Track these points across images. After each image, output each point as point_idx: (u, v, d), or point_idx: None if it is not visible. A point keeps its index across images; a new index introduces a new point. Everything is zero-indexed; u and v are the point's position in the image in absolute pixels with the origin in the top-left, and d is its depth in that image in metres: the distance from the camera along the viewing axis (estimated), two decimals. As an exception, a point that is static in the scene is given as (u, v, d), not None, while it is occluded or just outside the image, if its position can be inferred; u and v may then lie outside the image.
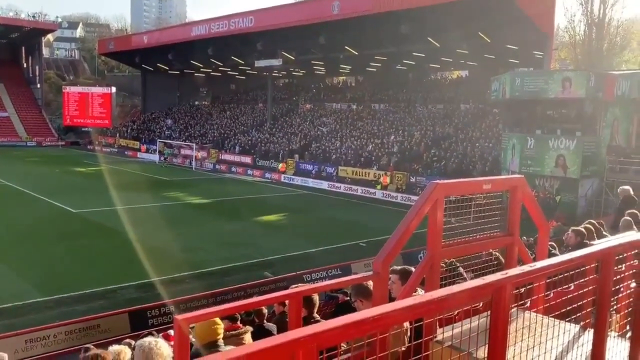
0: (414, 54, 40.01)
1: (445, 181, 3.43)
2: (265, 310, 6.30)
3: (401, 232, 3.22)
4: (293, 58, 43.94)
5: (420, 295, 1.90)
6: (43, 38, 67.31)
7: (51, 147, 57.99)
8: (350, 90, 52.36)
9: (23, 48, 69.34)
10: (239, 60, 48.91)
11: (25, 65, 70.31)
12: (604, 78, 23.15)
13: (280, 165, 38.26)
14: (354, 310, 3.54)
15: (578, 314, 2.77)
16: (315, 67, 51.48)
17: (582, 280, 2.80)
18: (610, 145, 23.70)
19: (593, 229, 7.04)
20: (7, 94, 64.22)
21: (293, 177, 36.44)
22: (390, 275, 3.56)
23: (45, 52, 75.08)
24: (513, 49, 34.47)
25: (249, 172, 39.56)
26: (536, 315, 2.78)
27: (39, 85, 66.18)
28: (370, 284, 3.47)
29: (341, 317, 1.59)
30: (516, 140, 24.69)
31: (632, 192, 10.38)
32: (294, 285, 3.84)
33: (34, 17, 62.78)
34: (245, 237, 19.83)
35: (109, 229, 20.09)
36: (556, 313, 2.79)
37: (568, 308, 2.73)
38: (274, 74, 50.58)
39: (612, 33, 40.92)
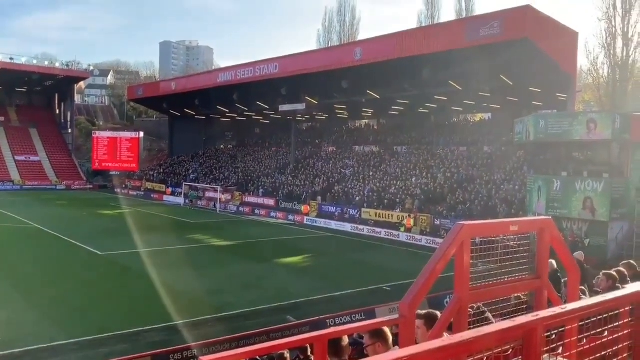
0: (436, 97, 40.32)
1: (472, 222, 3.41)
2: (287, 355, 6.22)
3: (427, 274, 3.19)
4: (316, 102, 44.73)
5: (450, 337, 1.88)
6: (75, 85, 69.83)
7: (79, 190, 59.30)
8: (372, 133, 52.75)
9: (56, 95, 71.88)
10: (264, 105, 49.92)
11: (57, 111, 72.72)
12: (630, 119, 22.93)
13: (303, 207, 38.34)
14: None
15: (613, 360, 2.68)
16: (338, 111, 52.22)
17: (616, 324, 2.73)
18: (640, 187, 23.26)
19: (626, 273, 6.85)
20: (40, 138, 66.42)
21: (316, 219, 36.42)
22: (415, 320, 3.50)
23: (77, 98, 77.72)
24: (536, 92, 34.49)
25: (272, 214, 39.70)
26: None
27: (70, 131, 68.24)
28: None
29: (372, 357, 1.58)
30: (542, 182, 24.38)
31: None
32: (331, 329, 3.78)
33: (67, 65, 65.52)
34: (268, 279, 19.72)
35: (134, 272, 20.25)
36: (589, 359, 2.70)
37: (602, 353, 2.65)
38: (297, 118, 51.41)
39: (636, 75, 40.74)
